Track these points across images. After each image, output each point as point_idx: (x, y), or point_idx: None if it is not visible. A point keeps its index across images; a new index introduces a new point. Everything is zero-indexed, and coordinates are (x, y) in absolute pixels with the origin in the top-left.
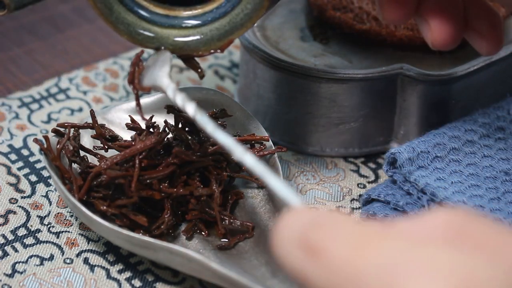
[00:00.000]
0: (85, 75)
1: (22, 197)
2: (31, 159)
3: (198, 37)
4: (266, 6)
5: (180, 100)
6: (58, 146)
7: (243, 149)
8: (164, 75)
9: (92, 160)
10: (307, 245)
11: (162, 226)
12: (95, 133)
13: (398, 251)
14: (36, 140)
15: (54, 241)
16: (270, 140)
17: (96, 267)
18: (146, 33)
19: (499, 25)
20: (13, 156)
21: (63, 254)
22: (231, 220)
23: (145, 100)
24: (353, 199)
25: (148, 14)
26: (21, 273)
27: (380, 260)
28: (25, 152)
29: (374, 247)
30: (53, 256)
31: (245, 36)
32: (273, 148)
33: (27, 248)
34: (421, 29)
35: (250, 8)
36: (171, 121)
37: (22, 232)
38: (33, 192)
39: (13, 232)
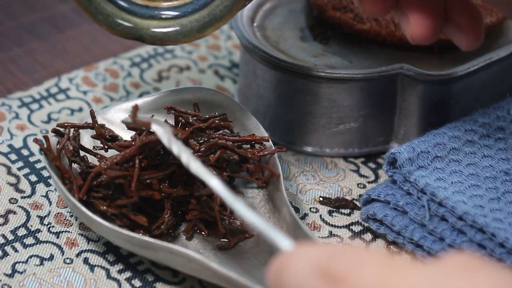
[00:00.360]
0: (85, 75)
1: (22, 197)
2: (31, 159)
3: (177, 28)
4: None
5: (175, 149)
6: (58, 146)
7: (234, 199)
8: (160, 126)
9: (92, 160)
10: (328, 273)
11: (162, 226)
12: (95, 133)
13: (426, 281)
14: (36, 140)
15: (54, 241)
16: (270, 140)
17: (96, 267)
18: (126, 23)
19: (479, 19)
20: (13, 156)
21: (63, 254)
22: (231, 220)
23: (145, 100)
24: (353, 199)
25: (127, 4)
26: (21, 273)
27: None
28: (25, 152)
29: (401, 275)
30: (53, 256)
31: (245, 36)
32: (273, 148)
33: (27, 248)
34: (400, 23)
35: (229, 0)
36: (171, 121)
37: (22, 232)
38: (33, 192)
39: (13, 232)
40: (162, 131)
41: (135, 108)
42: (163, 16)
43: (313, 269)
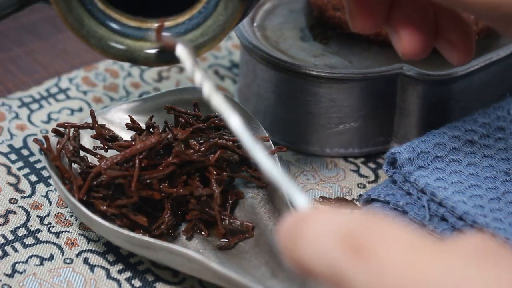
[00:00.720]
0: (85, 75)
1: (22, 197)
2: (31, 159)
3: None
4: (239, 18)
5: (198, 77)
6: (58, 146)
7: (253, 143)
8: (186, 48)
9: (92, 160)
10: (354, 244)
11: (162, 226)
12: (95, 133)
13: (456, 270)
14: (36, 140)
15: (54, 241)
16: (270, 140)
17: (96, 267)
18: (119, 46)
19: (470, 34)
20: (13, 156)
21: (63, 254)
22: (231, 220)
23: (145, 100)
24: (353, 199)
25: (119, 27)
26: (21, 273)
27: (441, 278)
28: (25, 152)
29: (432, 261)
30: (53, 256)
31: (245, 36)
32: (273, 148)
33: (27, 248)
34: (391, 39)
35: (222, 19)
36: (171, 121)
37: (22, 232)
38: (33, 192)
39: (13, 232)
40: (187, 55)
41: (160, 27)
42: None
43: (337, 237)
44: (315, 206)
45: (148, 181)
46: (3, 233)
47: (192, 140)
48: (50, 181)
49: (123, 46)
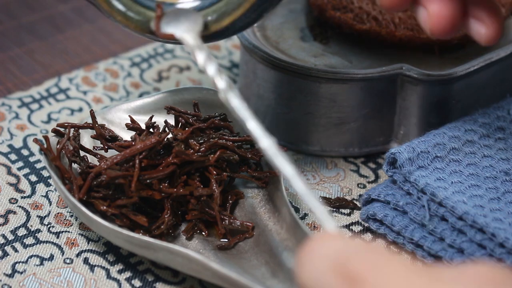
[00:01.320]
0: (85, 75)
1: (22, 197)
2: (31, 159)
3: None
4: None
5: (212, 70)
6: (58, 146)
7: (269, 142)
8: (194, 32)
9: (92, 160)
10: (347, 273)
11: (162, 226)
12: (95, 133)
13: None
14: (36, 140)
15: (54, 241)
16: None
17: (96, 267)
18: (141, 17)
19: (499, 11)
20: (13, 156)
21: (63, 254)
22: (231, 220)
23: (145, 100)
24: (353, 199)
25: None
26: (21, 273)
27: None
28: (25, 152)
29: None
30: (53, 256)
31: (245, 36)
32: None
33: (27, 248)
34: (419, 17)
35: None
36: (171, 121)
37: (22, 232)
38: (33, 192)
39: (13, 232)
40: (192, 41)
41: (159, 17)
42: None
43: (331, 264)
44: (333, 231)
45: (148, 181)
46: (3, 233)
47: (192, 140)
48: (50, 181)
49: (145, 17)
